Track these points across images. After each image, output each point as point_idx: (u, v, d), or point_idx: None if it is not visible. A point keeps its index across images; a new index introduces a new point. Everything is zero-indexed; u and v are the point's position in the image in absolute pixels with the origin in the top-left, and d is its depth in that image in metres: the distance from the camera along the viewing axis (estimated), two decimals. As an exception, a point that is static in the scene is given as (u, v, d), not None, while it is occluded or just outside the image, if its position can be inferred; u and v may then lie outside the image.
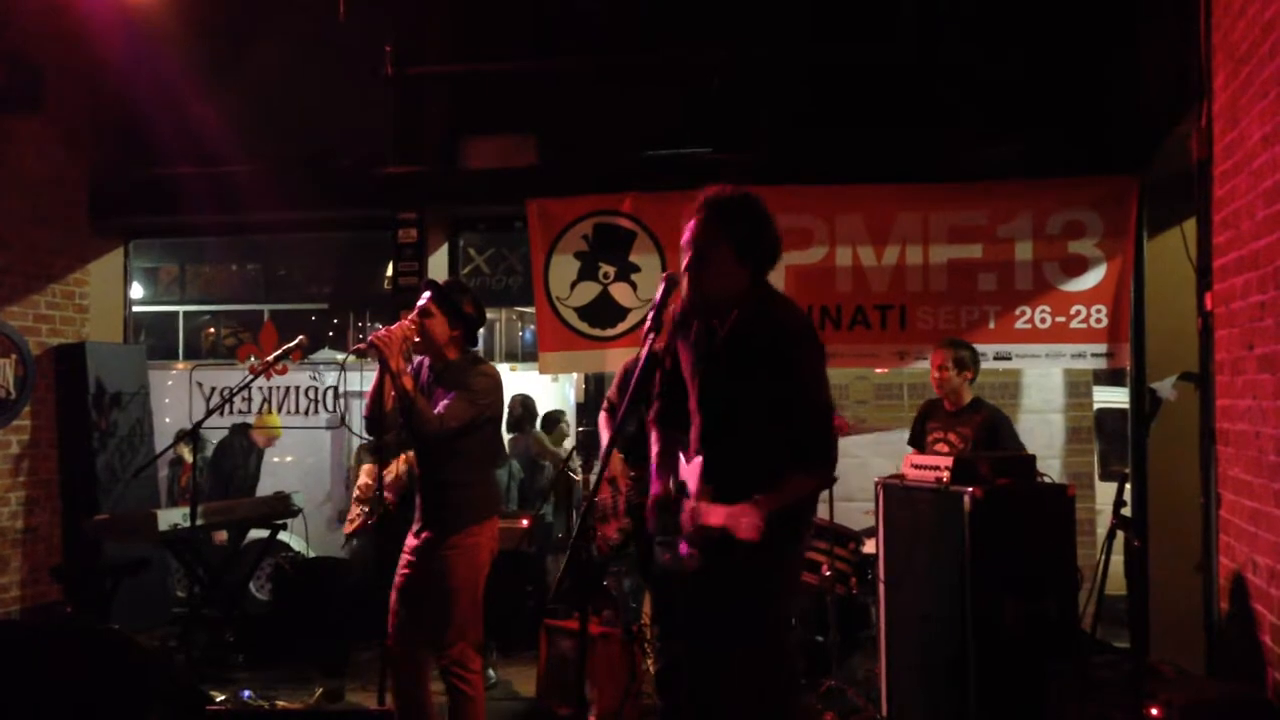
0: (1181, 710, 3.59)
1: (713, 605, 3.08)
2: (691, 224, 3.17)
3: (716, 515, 2.94)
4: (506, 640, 6.26)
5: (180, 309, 11.77)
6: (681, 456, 3.21)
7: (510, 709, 5.57)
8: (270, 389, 8.16)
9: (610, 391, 5.01)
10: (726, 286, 3.13)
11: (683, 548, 3.06)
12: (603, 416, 4.97)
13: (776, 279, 3.37)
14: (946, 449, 5.56)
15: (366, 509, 6.14)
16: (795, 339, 3.09)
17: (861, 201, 6.47)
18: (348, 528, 6.32)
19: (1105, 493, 7.45)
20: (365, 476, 6.21)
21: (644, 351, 3.19)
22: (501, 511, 4.89)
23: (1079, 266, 6.25)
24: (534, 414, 8.39)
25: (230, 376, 7.97)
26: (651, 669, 4.93)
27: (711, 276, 3.12)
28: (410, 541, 4.22)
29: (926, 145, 6.43)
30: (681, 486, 3.14)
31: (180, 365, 9.12)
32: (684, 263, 3.17)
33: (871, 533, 5.24)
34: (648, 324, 3.15)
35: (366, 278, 10.87)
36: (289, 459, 8.44)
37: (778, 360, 3.03)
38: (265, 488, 8.00)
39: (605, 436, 4.84)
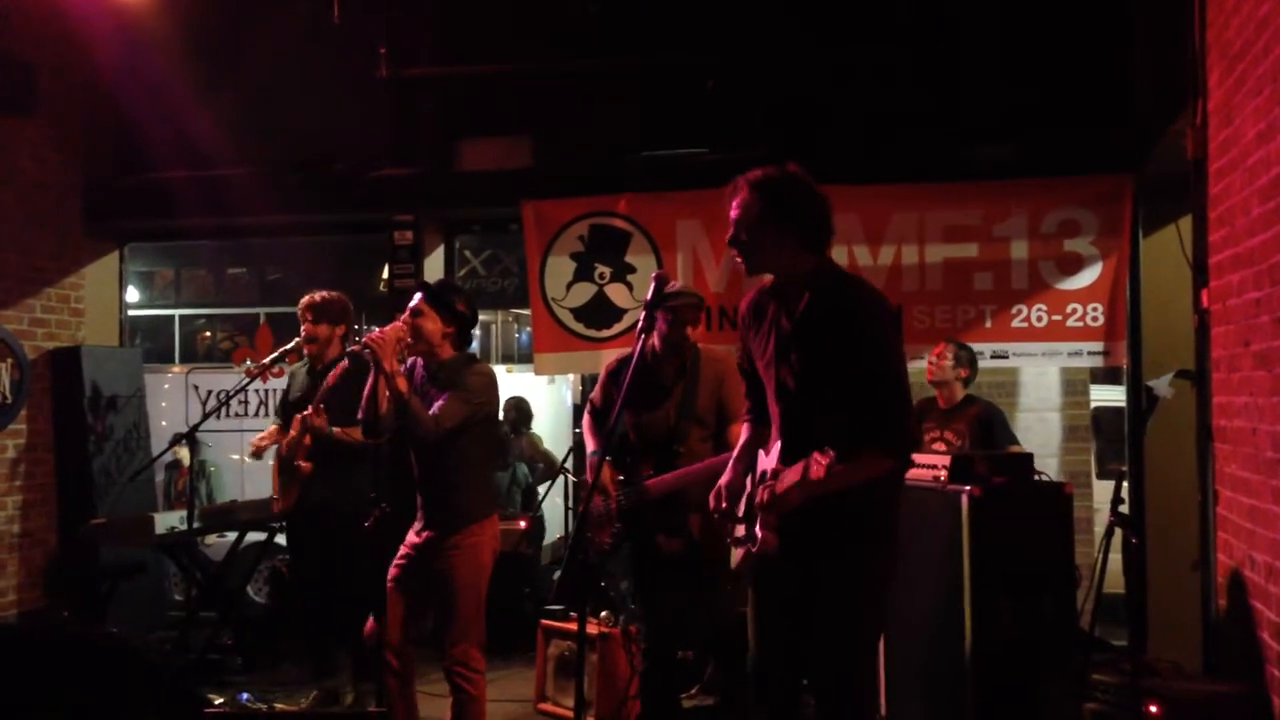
0: (1180, 707, 3.60)
1: (794, 599, 3.04)
2: (735, 205, 3.09)
3: (790, 474, 2.87)
4: (504, 642, 6.23)
5: (176, 312, 11.72)
6: (762, 451, 3.17)
7: (508, 710, 5.55)
8: (266, 392, 8.14)
9: (594, 393, 4.82)
10: (789, 268, 3.07)
11: (758, 532, 3.01)
12: (587, 420, 4.78)
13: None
14: (944, 447, 5.57)
15: (279, 423, 5.61)
16: (871, 318, 2.98)
17: (857, 201, 6.46)
18: (257, 443, 5.66)
19: (1103, 491, 7.46)
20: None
21: (636, 350, 3.17)
22: (501, 511, 4.87)
23: (1075, 265, 6.24)
24: (529, 416, 8.38)
25: (226, 379, 7.96)
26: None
27: (768, 260, 3.07)
28: (411, 539, 4.23)
29: (922, 145, 6.43)
30: (762, 477, 3.09)
31: (176, 368, 9.09)
32: (731, 244, 3.10)
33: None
34: (640, 324, 3.13)
35: (362, 281, 10.84)
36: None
37: (852, 340, 2.94)
38: (254, 491, 7.97)
39: (591, 443, 4.67)
